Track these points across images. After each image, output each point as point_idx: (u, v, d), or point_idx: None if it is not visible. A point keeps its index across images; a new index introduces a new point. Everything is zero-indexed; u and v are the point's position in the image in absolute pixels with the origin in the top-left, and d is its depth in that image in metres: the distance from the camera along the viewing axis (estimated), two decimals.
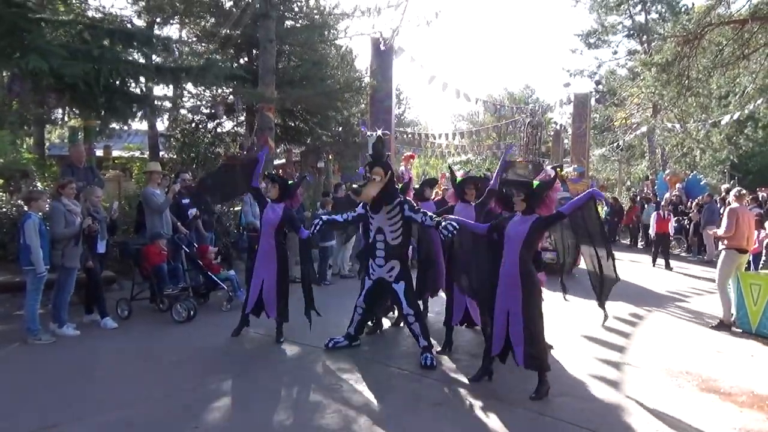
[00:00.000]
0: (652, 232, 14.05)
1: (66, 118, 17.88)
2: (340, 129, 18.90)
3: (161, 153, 17.23)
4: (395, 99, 19.34)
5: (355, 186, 10.13)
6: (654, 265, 13.53)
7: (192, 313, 7.15)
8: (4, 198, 10.97)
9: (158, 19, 14.70)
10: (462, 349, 6.20)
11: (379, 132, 6.02)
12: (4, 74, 11.11)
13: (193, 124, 17.06)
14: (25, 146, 17.24)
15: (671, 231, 14.06)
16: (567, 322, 7.41)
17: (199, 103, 16.20)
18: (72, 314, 6.76)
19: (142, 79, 8.69)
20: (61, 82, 6.92)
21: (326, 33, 15.91)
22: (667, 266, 13.22)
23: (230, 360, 5.73)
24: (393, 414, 4.38)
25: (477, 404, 4.60)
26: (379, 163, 5.59)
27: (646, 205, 17.95)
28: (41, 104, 13.89)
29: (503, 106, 33.42)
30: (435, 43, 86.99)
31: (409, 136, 30.59)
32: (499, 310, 4.83)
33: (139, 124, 15.61)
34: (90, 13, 12.70)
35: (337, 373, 5.36)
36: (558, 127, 28.57)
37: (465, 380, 5.14)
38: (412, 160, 16.76)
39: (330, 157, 20.24)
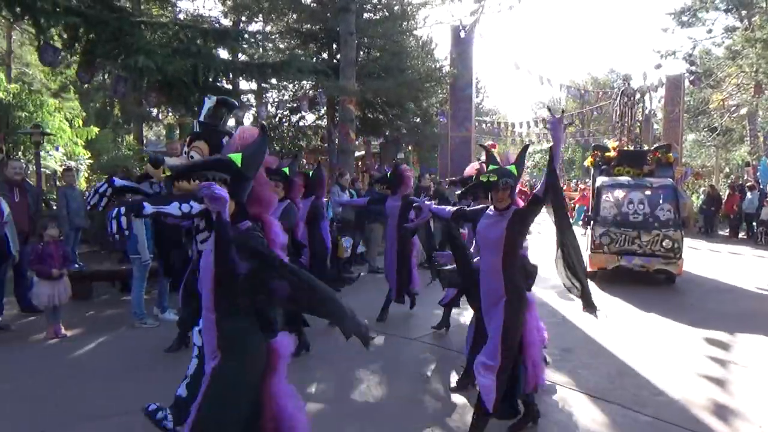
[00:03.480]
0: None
1: (161, 116, 19.05)
2: (418, 120, 18.88)
3: None
4: (474, 88, 19.03)
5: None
6: None
7: None
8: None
9: (243, 18, 15.25)
10: (551, 343, 6.01)
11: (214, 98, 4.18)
12: (107, 76, 11.96)
13: (277, 119, 17.59)
14: (125, 143, 18.46)
15: None
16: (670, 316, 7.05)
17: (282, 97, 16.67)
18: (173, 301, 7.16)
19: (231, 75, 9.06)
20: (162, 81, 7.33)
21: (405, 23, 15.89)
22: None
23: (314, 350, 5.86)
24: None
25: (571, 402, 4.45)
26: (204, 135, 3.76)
27: (749, 193, 16.67)
28: (140, 103, 14.85)
29: (587, 92, 32.10)
30: (515, 29, 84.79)
31: (488, 125, 30.06)
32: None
33: (231, 120, 16.28)
34: (181, 16, 13.38)
35: (423, 363, 5.37)
36: (648, 112, 27.06)
37: (556, 375, 4.99)
38: (493, 149, 16.52)
39: (409, 148, 20.27)
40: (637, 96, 12.29)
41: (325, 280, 5.84)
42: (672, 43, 48.36)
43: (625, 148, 10.67)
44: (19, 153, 12.39)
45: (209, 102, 4.02)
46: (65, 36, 8.66)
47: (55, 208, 9.95)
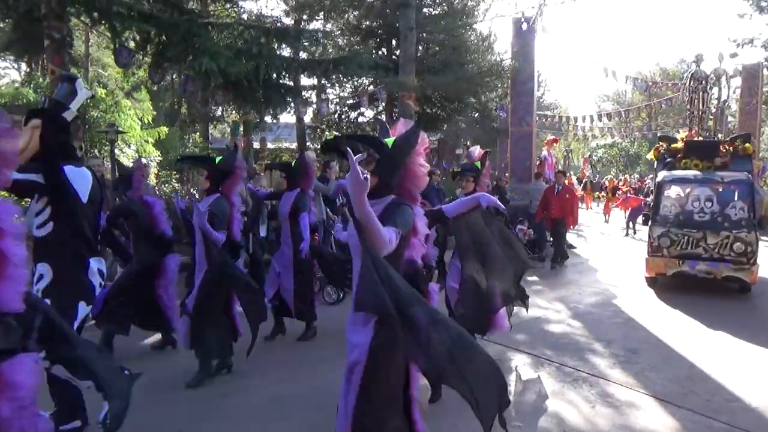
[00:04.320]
0: None
1: (225, 114, 19.68)
2: (477, 115, 18.67)
3: (307, 143, 18.25)
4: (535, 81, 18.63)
5: None
6: None
7: (342, 295, 7.50)
8: (178, 187, 12.29)
9: (304, 16, 15.51)
10: (616, 343, 5.83)
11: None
12: (175, 76, 12.46)
13: (337, 115, 17.81)
14: (191, 141, 19.17)
15: None
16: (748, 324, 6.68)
17: (343, 94, 16.86)
18: None
19: (293, 72, 9.26)
20: (227, 80, 7.58)
21: (465, 17, 15.72)
22: None
23: None
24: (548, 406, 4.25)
25: (640, 405, 4.31)
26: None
27: None
28: (206, 103, 15.40)
29: (655, 83, 30.80)
30: (578, 18, 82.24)
31: (549, 119, 29.37)
32: None
33: (290, 117, 16.66)
34: (244, 16, 13.76)
35: None
36: (721, 103, 25.68)
37: (623, 376, 4.84)
38: (555, 144, 16.12)
39: (468, 143, 20.08)
40: (711, 79, 10.86)
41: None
42: (749, 30, 45.41)
43: (696, 139, 9.53)
44: (95, 150, 13.11)
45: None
46: (138, 39, 9.10)
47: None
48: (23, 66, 20.40)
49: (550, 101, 41.00)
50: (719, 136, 10.73)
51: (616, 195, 19.99)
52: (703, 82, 10.91)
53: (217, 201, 4.68)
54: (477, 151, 5.05)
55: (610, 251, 12.86)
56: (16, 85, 16.68)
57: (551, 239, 11.82)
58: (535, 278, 9.44)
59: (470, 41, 17.02)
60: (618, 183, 22.97)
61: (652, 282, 8.51)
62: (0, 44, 10.64)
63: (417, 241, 2.81)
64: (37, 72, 16.11)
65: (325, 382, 4.58)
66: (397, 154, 2.70)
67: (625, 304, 7.50)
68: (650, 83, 29.90)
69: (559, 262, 10.47)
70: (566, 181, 11.29)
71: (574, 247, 12.57)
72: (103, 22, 8.57)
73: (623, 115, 31.17)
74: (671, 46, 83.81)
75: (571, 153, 46.06)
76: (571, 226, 11.21)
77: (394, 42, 15.99)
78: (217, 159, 4.90)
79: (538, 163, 13.90)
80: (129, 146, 14.42)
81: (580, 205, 20.33)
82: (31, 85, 13.91)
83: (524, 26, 13.47)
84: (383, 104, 16.14)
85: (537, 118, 18.83)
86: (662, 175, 8.78)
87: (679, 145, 9.32)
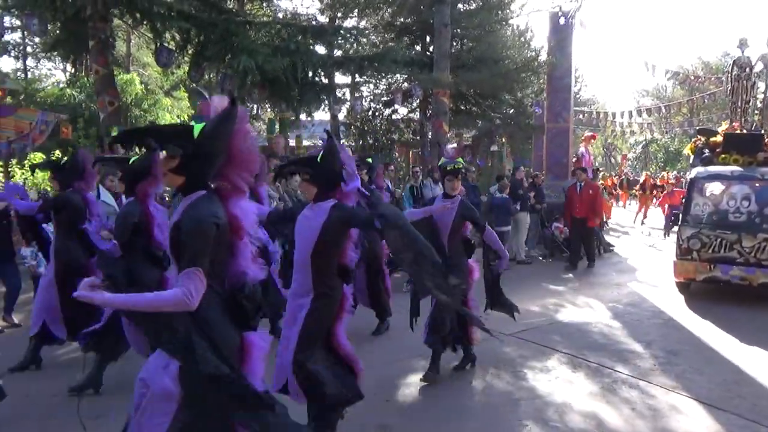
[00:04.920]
0: None
1: (260, 112, 19.94)
2: (512, 111, 18.44)
3: (342, 141, 18.33)
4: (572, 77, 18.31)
5: None
6: None
7: None
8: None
9: (339, 14, 15.59)
10: (656, 344, 5.70)
11: None
12: (212, 75, 12.69)
13: (370, 112, 17.83)
14: None
15: None
16: None
17: (377, 91, 16.88)
18: None
19: (328, 70, 9.34)
20: (264, 78, 7.70)
21: (501, 12, 15.55)
22: None
23: (412, 341, 5.91)
24: (581, 404, 4.19)
25: (682, 408, 4.21)
26: None
27: None
28: (243, 100, 15.63)
29: (697, 78, 29.90)
30: (617, 11, 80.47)
31: (586, 115, 28.83)
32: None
33: (324, 114, 16.78)
34: (280, 15, 13.91)
35: (520, 360, 5.27)
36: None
37: (663, 378, 4.73)
38: (593, 140, 15.81)
39: (502, 140, 19.86)
40: (758, 67, 10.00)
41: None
42: None
43: (736, 132, 8.74)
44: (135, 148, 13.45)
45: None
46: (178, 38, 9.30)
47: (167, 199, 10.72)
48: (68, 67, 21.11)
49: (587, 97, 40.24)
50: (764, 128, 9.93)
51: (653, 192, 19.43)
52: (747, 69, 9.98)
53: (126, 206, 4.28)
54: (452, 148, 5.21)
55: (648, 250, 12.57)
56: (61, 85, 17.28)
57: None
58: (571, 277, 9.31)
59: (506, 37, 16.83)
60: (656, 180, 22.31)
61: (683, 288, 7.79)
62: (47, 45, 11.04)
63: (243, 244, 2.32)
64: (80, 73, 16.64)
65: None
66: (209, 142, 2.25)
67: (665, 304, 7.32)
68: (692, 77, 29.07)
69: (591, 263, 10.06)
70: (595, 180, 10.90)
71: (612, 246, 12.34)
72: (145, 22, 8.79)
73: (663, 111, 30.36)
74: (714, 38, 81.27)
75: (614, 150, 45.16)
76: (597, 225, 10.64)
77: (428, 38, 15.92)
78: (132, 159, 4.39)
79: (574, 160, 13.67)
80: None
81: (618, 203, 19.99)
82: (77, 85, 14.40)
83: (562, 20, 13.23)
84: (417, 101, 16.09)
85: (574, 114, 18.53)
86: (696, 171, 8.19)
87: (719, 138, 8.67)
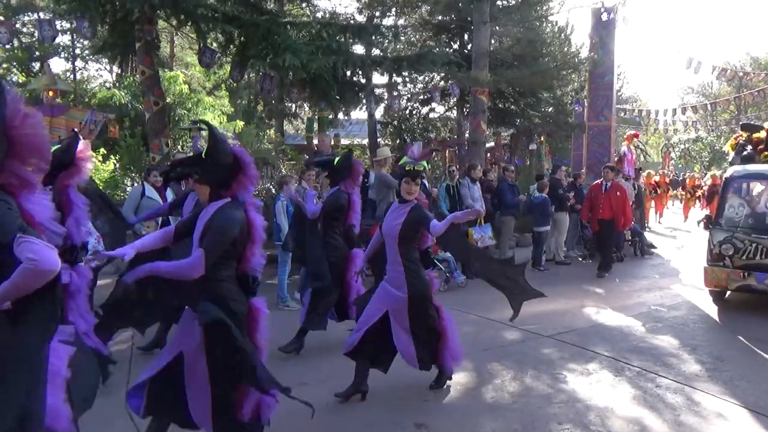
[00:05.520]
0: None
1: (298, 111, 20.20)
2: (551, 109, 18.17)
3: (378, 139, 18.39)
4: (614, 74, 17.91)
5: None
6: None
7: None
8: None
9: (377, 13, 15.64)
10: (702, 349, 5.55)
11: None
12: (252, 75, 12.90)
13: (407, 111, 17.84)
14: (266, 137, 19.79)
15: None
16: None
17: (414, 90, 16.87)
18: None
19: (367, 69, 9.39)
20: (308, 74, 7.80)
21: (541, 9, 15.32)
22: None
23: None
24: (623, 409, 4.11)
25: (729, 416, 4.09)
26: None
27: None
28: (282, 100, 15.86)
29: (745, 74, 28.87)
30: (661, 7, 78.26)
31: (628, 113, 28.15)
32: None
33: (361, 113, 16.85)
34: (318, 15, 14.04)
35: (560, 362, 5.21)
36: None
37: (710, 384, 4.60)
38: (635, 139, 15.45)
39: (541, 138, 19.59)
40: None
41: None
42: None
43: None
44: (179, 147, 13.81)
45: None
46: (221, 39, 9.51)
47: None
48: (114, 68, 21.79)
49: (629, 94, 39.29)
50: None
51: (696, 194, 18.87)
52: None
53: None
54: (419, 147, 4.45)
55: (692, 252, 12.22)
56: (108, 86, 17.86)
57: (629, 239, 11.38)
58: (614, 280, 9.13)
59: (546, 33, 16.57)
60: (703, 181, 21.51)
61: (716, 296, 7.16)
62: (96, 47, 11.41)
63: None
64: (126, 74, 17.17)
65: None
66: None
67: (711, 308, 7.11)
68: (739, 74, 28.08)
69: (605, 269, 9.24)
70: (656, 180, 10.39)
71: (655, 248, 12.05)
72: (189, 23, 9.01)
73: (709, 108, 29.40)
74: (763, 33, 78.07)
75: (646, 147, 43.99)
76: (624, 228, 9.85)
77: (466, 36, 15.82)
78: (53, 148, 4.14)
79: (616, 159, 13.39)
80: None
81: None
82: (123, 86, 14.85)
83: (604, 16, 12.97)
84: (455, 99, 16.02)
85: (616, 112, 18.15)
86: (731, 169, 7.60)
87: (762, 134, 8.15)
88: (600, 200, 9.35)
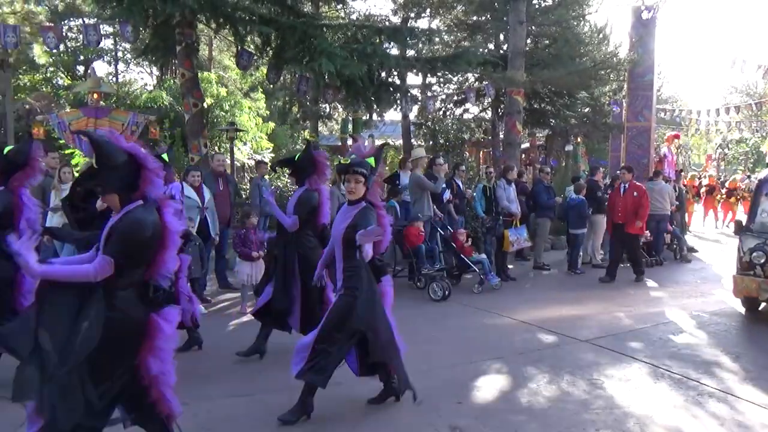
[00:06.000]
0: None
1: (332, 112, 20.36)
2: (588, 110, 17.88)
3: (412, 140, 18.38)
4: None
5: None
6: None
7: (447, 293, 7.53)
8: (288, 183, 12.90)
9: (412, 14, 15.65)
10: (746, 357, 5.37)
11: None
12: (288, 77, 13.06)
13: (441, 112, 17.78)
14: (300, 138, 20.00)
15: None
16: None
17: (448, 90, 16.82)
18: None
19: (402, 70, 9.43)
20: (340, 80, 7.88)
21: (579, 8, 15.09)
22: None
23: (484, 343, 5.88)
24: (664, 417, 4.02)
25: (758, 421, 3.96)
26: None
27: None
28: (317, 101, 16.02)
29: None
30: (703, 4, 75.99)
31: (668, 113, 27.44)
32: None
33: (394, 114, 16.90)
34: (354, 16, 14.12)
35: (597, 367, 5.12)
36: None
37: (756, 394, 4.46)
38: (676, 140, 15.07)
39: (578, 140, 19.29)
40: None
41: None
42: None
43: None
44: (216, 147, 14.07)
45: None
46: (258, 42, 9.67)
47: (244, 197, 11.15)
48: (154, 71, 22.37)
49: (669, 94, 38.29)
50: None
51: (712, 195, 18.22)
52: None
53: None
54: (367, 143, 4.19)
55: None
56: (149, 88, 18.34)
57: (668, 242, 11.10)
58: (654, 284, 8.92)
59: (584, 33, 16.30)
60: (745, 184, 20.70)
61: (749, 306, 6.76)
62: (138, 51, 11.72)
63: None
64: (167, 76, 17.60)
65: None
66: None
67: (755, 314, 6.88)
68: None
69: (639, 277, 8.94)
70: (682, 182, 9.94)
71: (696, 251, 11.72)
72: (228, 27, 9.19)
73: (754, 108, 28.43)
74: None
75: (688, 150, 42.80)
76: (641, 233, 9.26)
77: (501, 36, 15.70)
78: (6, 149, 4.22)
79: (656, 160, 13.07)
80: (245, 144, 15.36)
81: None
82: (164, 88, 15.22)
83: (645, 14, 12.65)
84: (489, 100, 15.90)
85: (655, 113, 17.70)
86: (765, 171, 7.29)
87: None
88: (617, 203, 8.97)
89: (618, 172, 9.28)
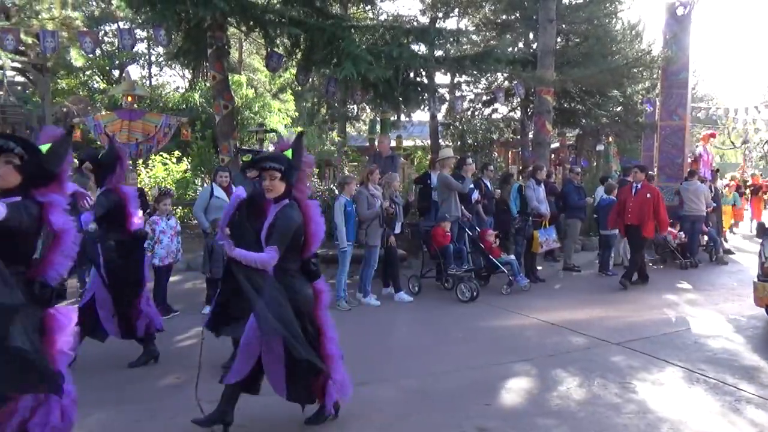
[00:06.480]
0: None
1: (360, 113, 20.42)
2: (619, 109, 17.53)
3: (440, 141, 18.31)
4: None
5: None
6: None
7: (475, 294, 7.48)
8: (316, 182, 13.01)
9: (440, 14, 15.60)
10: None
11: None
12: (317, 78, 13.16)
13: (470, 112, 17.66)
14: (328, 139, 20.13)
15: None
16: None
17: (476, 90, 16.71)
18: (372, 287, 7.67)
19: (430, 70, 9.41)
20: (364, 84, 7.90)
21: (611, 5, 14.82)
22: None
23: (513, 345, 5.82)
24: (699, 423, 3.91)
25: None
26: None
27: None
28: (345, 103, 16.10)
29: None
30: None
31: (704, 112, 26.73)
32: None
33: (422, 114, 16.85)
34: (382, 17, 14.15)
35: (629, 370, 5.01)
36: None
37: None
38: (712, 138, 14.67)
39: (609, 139, 18.94)
40: None
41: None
42: None
43: None
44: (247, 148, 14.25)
45: None
46: (287, 44, 9.77)
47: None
48: (186, 74, 22.79)
49: (704, 92, 37.30)
50: None
51: (758, 195, 17.63)
52: None
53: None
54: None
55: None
56: (182, 90, 18.70)
57: (704, 244, 10.82)
58: (689, 287, 8.71)
59: (616, 30, 15.99)
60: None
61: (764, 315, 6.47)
62: (171, 54, 11.95)
63: None
64: (198, 78, 17.91)
65: None
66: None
67: None
68: None
69: (642, 280, 8.62)
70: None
71: (732, 253, 11.39)
72: (258, 29, 9.31)
73: None
74: None
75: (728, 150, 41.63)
76: (652, 235, 8.78)
77: (531, 35, 15.52)
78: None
79: (691, 160, 12.76)
80: (272, 144, 15.53)
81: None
82: (196, 90, 15.51)
83: (680, 10, 12.37)
84: (519, 99, 15.74)
85: (690, 111, 17.27)
86: None
87: None
88: (628, 204, 8.57)
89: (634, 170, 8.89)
